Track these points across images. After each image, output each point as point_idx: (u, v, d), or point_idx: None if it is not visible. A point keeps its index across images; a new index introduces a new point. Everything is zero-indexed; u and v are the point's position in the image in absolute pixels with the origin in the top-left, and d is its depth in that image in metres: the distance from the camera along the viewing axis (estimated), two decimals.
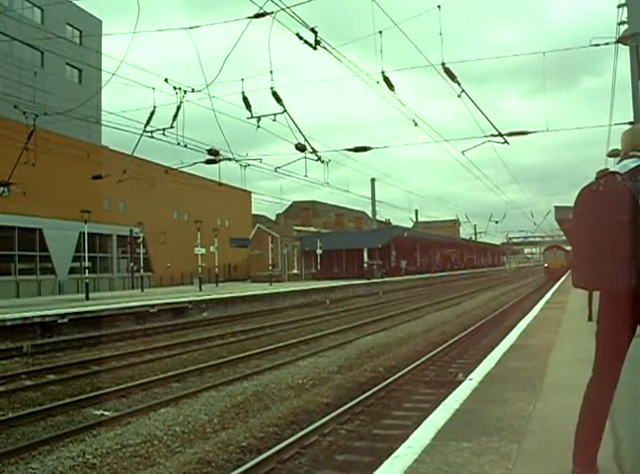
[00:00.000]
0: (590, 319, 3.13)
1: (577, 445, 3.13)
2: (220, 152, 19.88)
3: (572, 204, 3.06)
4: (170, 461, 6.70)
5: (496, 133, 16.93)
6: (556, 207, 42.38)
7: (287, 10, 10.50)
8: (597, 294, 3.16)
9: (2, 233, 32.73)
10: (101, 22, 47.10)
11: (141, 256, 39.60)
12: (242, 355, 13.91)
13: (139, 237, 38.82)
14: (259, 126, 15.94)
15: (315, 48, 11.84)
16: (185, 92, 15.73)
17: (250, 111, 15.55)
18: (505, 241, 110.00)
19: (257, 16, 11.37)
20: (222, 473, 6.32)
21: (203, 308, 25.74)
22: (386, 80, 14.04)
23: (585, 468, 3.08)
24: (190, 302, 24.99)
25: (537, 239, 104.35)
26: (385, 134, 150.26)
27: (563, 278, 39.20)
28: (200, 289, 35.41)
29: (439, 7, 12.71)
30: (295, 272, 52.10)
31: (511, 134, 17.19)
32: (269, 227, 53.43)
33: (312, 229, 57.43)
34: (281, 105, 15.19)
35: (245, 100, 15.41)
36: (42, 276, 35.98)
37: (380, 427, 7.88)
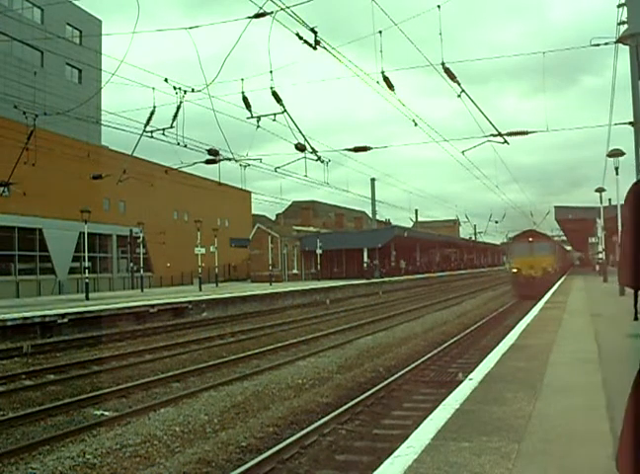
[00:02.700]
0: (636, 318, 3.10)
1: (621, 449, 3.07)
2: (220, 152, 19.87)
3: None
4: (170, 461, 6.70)
5: (496, 133, 16.92)
6: (556, 207, 42.37)
7: (287, 10, 10.49)
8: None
9: (2, 233, 32.71)
10: (101, 22, 47.10)
11: (141, 256, 39.59)
12: (242, 355, 13.92)
13: (139, 237, 38.81)
14: (259, 126, 15.93)
15: (315, 48, 11.83)
16: (185, 92, 15.72)
17: (250, 111, 15.53)
18: (505, 241, 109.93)
19: (257, 16, 11.36)
20: (222, 473, 6.33)
21: (203, 308, 25.73)
22: (386, 80, 14.02)
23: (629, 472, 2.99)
24: (189, 302, 24.97)
25: None
26: (385, 134, 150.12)
27: (559, 284, 29.56)
28: (200, 289, 35.40)
29: (438, 7, 12.69)
30: (295, 272, 52.08)
31: (510, 134, 17.17)
32: (269, 227, 53.41)
33: (312, 229, 57.38)
34: (281, 105, 15.17)
35: (245, 100, 15.40)
36: (42, 275, 35.96)
37: (380, 426, 7.88)
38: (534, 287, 27.29)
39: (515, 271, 30.76)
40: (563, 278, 37.43)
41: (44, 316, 18.05)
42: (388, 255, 56.13)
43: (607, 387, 5.48)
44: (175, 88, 15.63)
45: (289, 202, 69.62)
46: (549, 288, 25.61)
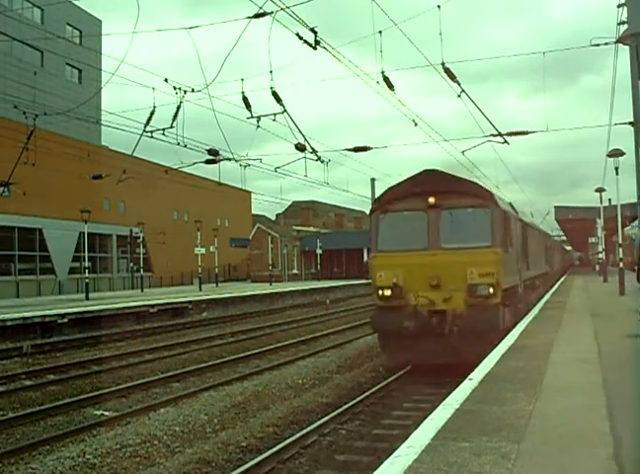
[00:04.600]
0: None
1: None
2: (220, 152, 19.84)
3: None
4: (170, 461, 6.70)
5: (496, 133, 16.90)
6: (556, 207, 42.29)
7: (287, 10, 10.48)
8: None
9: (2, 233, 32.71)
10: (101, 22, 47.14)
11: (141, 256, 39.60)
12: (242, 355, 13.92)
13: (139, 237, 38.82)
14: (259, 126, 15.90)
15: (315, 48, 11.81)
16: (185, 92, 15.69)
17: (250, 111, 15.51)
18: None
19: (257, 16, 11.34)
20: (222, 473, 6.33)
21: (203, 308, 25.73)
22: (386, 80, 13.99)
23: None
24: (189, 302, 24.97)
25: None
26: (385, 134, 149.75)
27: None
28: (200, 289, 35.39)
29: (438, 7, 12.66)
30: (295, 271, 52.08)
31: (511, 134, 17.13)
32: (269, 227, 53.42)
33: (312, 229, 57.39)
34: (281, 105, 15.14)
35: (245, 100, 15.38)
36: (42, 276, 35.96)
37: (380, 426, 7.88)
38: (444, 342, 10.29)
39: (384, 293, 11.09)
40: (563, 279, 37.21)
41: (44, 316, 18.05)
42: None
43: (607, 387, 5.46)
44: (175, 88, 15.61)
45: (289, 202, 69.61)
46: (494, 343, 9.18)
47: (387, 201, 11.38)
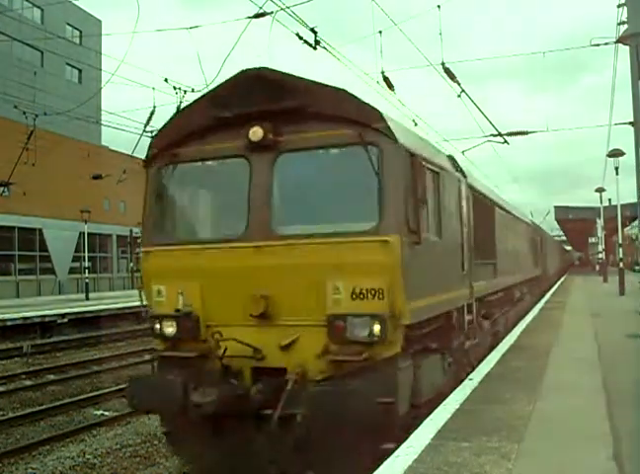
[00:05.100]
0: None
1: None
2: None
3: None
4: (170, 461, 6.70)
5: (496, 133, 16.92)
6: (556, 207, 42.35)
7: (287, 10, 10.48)
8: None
9: (2, 233, 32.70)
10: (100, 22, 47.15)
11: (141, 256, 39.59)
12: None
13: (139, 237, 38.80)
14: None
15: (315, 48, 11.81)
16: (185, 92, 15.70)
17: None
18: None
19: (257, 16, 11.35)
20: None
21: None
22: (386, 80, 14.00)
23: None
24: None
25: None
26: None
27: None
28: None
29: (438, 7, 12.67)
30: None
31: (511, 134, 17.18)
32: None
33: None
34: None
35: None
36: (42, 276, 35.95)
37: None
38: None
39: (162, 329, 5.44)
40: (563, 279, 37.10)
41: (44, 316, 18.05)
42: None
43: (607, 387, 5.47)
44: (175, 88, 15.61)
45: None
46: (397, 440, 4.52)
47: (172, 142, 5.68)
